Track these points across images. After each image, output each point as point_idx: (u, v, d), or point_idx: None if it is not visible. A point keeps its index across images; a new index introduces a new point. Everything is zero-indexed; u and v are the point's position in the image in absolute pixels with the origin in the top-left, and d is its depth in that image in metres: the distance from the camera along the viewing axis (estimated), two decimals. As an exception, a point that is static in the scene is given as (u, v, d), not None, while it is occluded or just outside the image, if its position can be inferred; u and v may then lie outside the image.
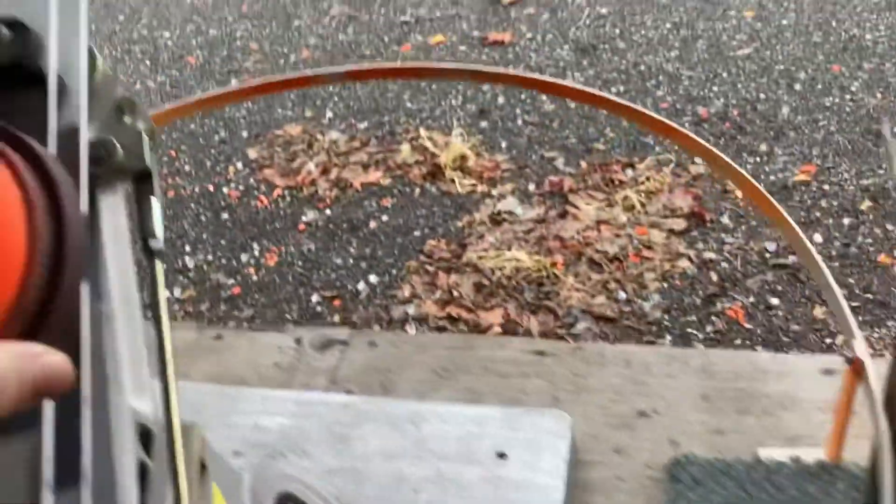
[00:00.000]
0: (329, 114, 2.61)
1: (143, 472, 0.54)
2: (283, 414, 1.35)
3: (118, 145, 0.48)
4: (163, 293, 0.54)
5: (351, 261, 2.02)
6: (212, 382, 1.42)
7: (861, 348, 1.16)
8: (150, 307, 0.53)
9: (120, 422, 0.48)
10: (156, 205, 0.54)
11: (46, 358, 0.31)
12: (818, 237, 1.91)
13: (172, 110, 1.37)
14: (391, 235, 2.09)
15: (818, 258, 1.14)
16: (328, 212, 2.20)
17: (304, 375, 1.57)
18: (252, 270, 2.02)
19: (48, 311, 0.35)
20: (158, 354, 0.53)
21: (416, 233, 2.08)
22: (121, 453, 0.50)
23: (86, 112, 0.45)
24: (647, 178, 2.14)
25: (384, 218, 2.15)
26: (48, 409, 0.41)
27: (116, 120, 0.50)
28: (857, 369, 1.16)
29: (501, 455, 1.29)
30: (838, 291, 1.21)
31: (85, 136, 0.45)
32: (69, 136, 0.45)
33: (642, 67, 2.68)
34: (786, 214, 1.18)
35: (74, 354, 0.39)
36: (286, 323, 1.81)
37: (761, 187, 1.26)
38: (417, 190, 2.23)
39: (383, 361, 1.60)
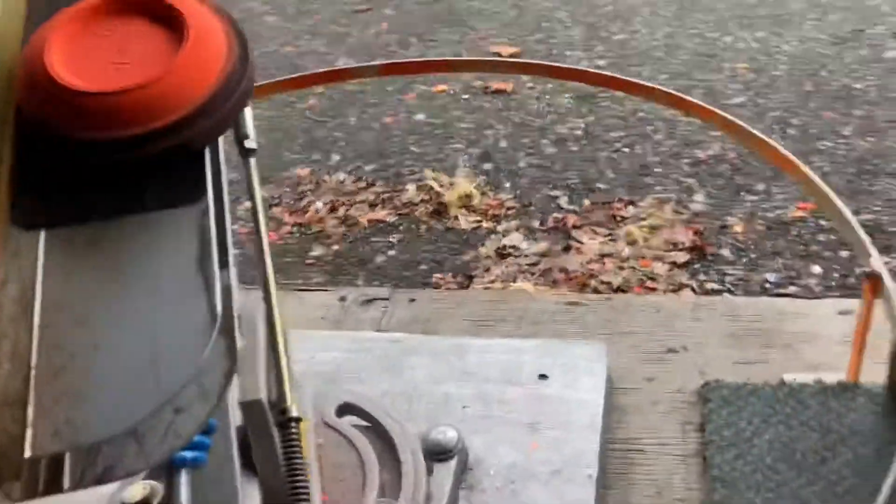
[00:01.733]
0: (336, 157, 2.67)
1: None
2: (339, 350, 1.52)
3: None
4: (258, 188, 0.63)
5: (359, 293, 2.05)
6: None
7: (877, 263, 1.24)
8: (249, 202, 0.62)
9: None
10: (248, 112, 0.73)
11: None
12: (817, 268, 1.95)
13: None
14: (398, 269, 2.12)
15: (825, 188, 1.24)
16: (336, 247, 2.24)
17: (350, 327, 1.72)
18: (261, 302, 2.05)
19: (237, 88, 0.66)
20: (257, 247, 0.60)
21: (423, 266, 2.12)
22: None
23: None
24: (649, 215, 2.19)
25: (391, 253, 2.19)
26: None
27: None
28: (874, 283, 1.24)
29: (542, 376, 1.41)
30: (850, 215, 1.29)
31: None
32: None
33: (641, 114, 2.76)
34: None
35: None
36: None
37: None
38: (423, 227, 2.28)
39: (423, 314, 1.74)
